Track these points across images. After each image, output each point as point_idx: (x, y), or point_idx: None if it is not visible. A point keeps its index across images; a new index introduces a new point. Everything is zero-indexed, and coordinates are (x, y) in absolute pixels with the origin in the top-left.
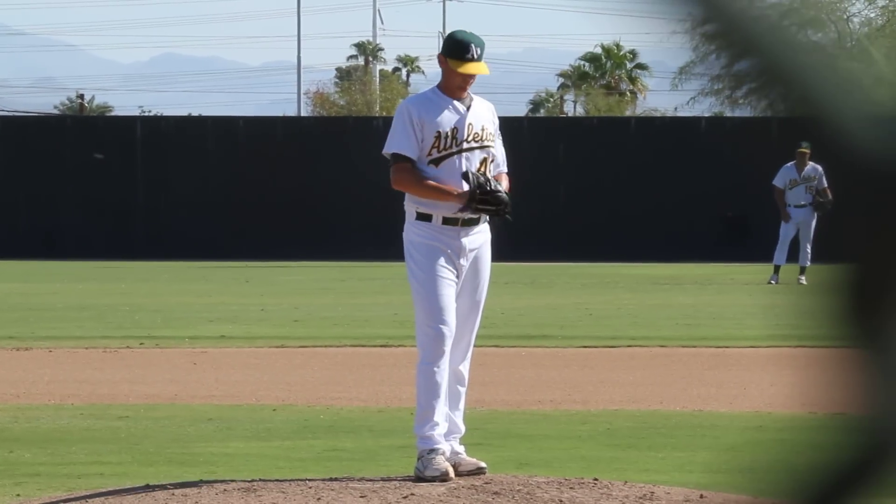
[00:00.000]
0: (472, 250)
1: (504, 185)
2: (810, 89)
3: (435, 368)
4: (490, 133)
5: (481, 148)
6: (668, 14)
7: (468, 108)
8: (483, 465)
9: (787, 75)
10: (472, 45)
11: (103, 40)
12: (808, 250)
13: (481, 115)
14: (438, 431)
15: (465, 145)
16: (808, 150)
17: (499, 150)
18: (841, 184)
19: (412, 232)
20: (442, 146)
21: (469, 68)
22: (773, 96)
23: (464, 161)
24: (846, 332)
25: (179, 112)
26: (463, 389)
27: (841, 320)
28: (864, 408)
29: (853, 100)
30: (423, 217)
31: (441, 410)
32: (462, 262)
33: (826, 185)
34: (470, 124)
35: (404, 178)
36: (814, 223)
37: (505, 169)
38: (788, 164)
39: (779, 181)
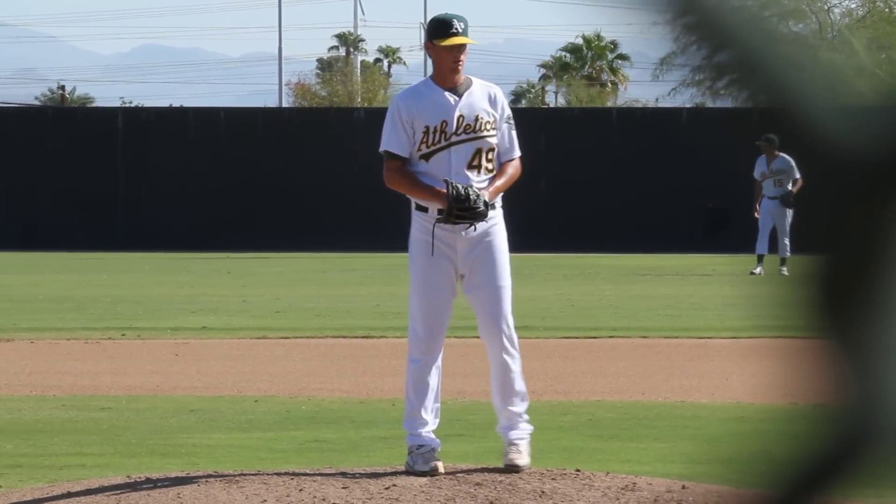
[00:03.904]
0: (473, 238)
1: (506, 175)
2: (788, 81)
3: (421, 366)
4: (487, 122)
5: (474, 139)
6: (648, 5)
7: (461, 98)
8: (519, 462)
9: (765, 67)
10: (455, 21)
11: (84, 31)
12: (786, 241)
13: (475, 104)
14: (427, 429)
15: (454, 139)
16: (768, 143)
17: (504, 137)
18: (813, 175)
19: (413, 225)
20: (431, 141)
21: (454, 40)
22: (754, 87)
23: (452, 156)
24: (818, 324)
25: (160, 103)
26: (511, 376)
27: (812, 311)
28: (837, 399)
29: (830, 91)
30: (421, 208)
31: (430, 407)
32: (462, 253)
33: (798, 176)
34: (461, 116)
35: (393, 177)
36: (788, 214)
37: (515, 154)
38: (761, 157)
39: (756, 174)
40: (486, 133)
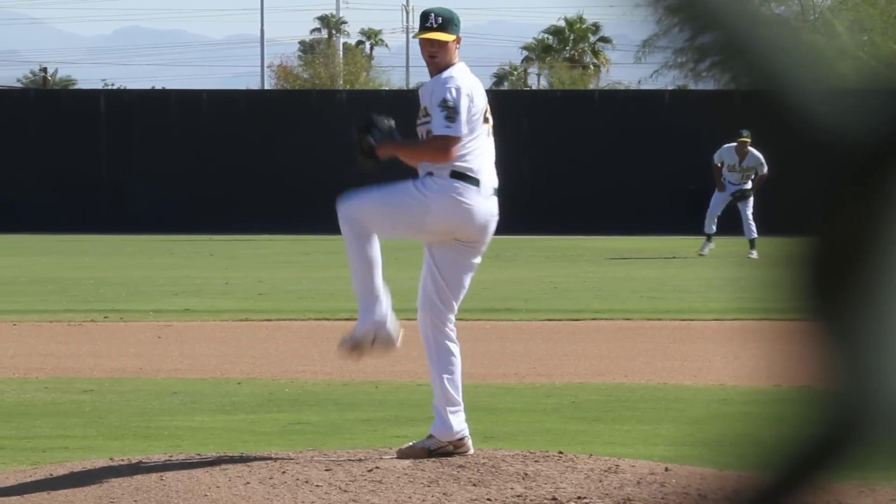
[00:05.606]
0: None
1: (414, 144)
2: (771, 63)
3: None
4: (424, 108)
5: (420, 125)
6: None
7: (425, 87)
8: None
9: (749, 49)
10: (432, 14)
11: (67, 13)
12: (752, 224)
13: (425, 93)
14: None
15: (417, 123)
16: (748, 139)
17: (432, 123)
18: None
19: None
20: None
21: (424, 35)
22: (736, 70)
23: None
24: (809, 307)
25: (143, 85)
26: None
27: (803, 295)
28: (827, 383)
29: (814, 73)
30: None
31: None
32: None
33: (765, 171)
34: (420, 104)
35: None
36: (750, 198)
37: (435, 132)
38: (729, 145)
39: (717, 158)
40: (423, 119)
